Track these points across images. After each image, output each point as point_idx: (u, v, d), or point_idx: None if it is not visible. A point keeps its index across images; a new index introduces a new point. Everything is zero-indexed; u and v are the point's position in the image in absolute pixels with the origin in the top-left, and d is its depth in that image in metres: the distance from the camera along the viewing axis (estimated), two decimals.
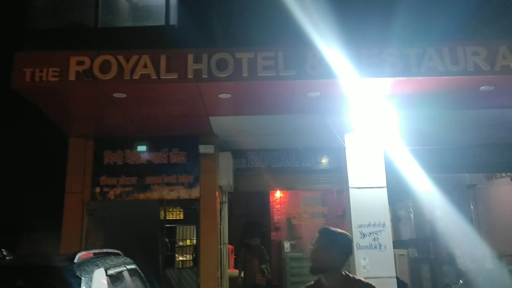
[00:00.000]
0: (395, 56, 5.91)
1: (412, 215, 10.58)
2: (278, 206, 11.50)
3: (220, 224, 8.51)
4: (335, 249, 2.66)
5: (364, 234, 6.59)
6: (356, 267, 6.47)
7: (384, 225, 6.61)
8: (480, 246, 8.99)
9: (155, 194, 8.02)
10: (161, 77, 5.90)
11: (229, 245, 10.18)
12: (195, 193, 8.07)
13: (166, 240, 11.49)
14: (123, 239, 8.74)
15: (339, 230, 2.75)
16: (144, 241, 9.74)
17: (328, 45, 5.92)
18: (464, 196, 8.73)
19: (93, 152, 8.19)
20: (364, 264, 6.48)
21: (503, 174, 8.98)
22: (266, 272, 8.55)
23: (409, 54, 5.93)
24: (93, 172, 8.11)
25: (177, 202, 10.87)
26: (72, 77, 5.83)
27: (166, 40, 6.34)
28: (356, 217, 6.67)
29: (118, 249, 4.63)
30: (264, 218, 11.61)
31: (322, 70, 5.90)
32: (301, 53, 5.99)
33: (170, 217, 12.47)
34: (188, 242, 11.94)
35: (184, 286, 10.24)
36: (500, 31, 6.20)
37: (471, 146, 8.51)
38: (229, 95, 6.37)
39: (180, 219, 12.39)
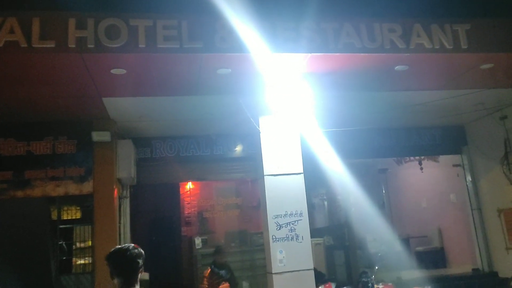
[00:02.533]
0: (312, 31, 5.41)
1: (326, 203, 10.44)
2: (189, 199, 10.65)
3: (120, 222, 7.46)
4: (112, 269, 2.63)
5: (280, 225, 6.06)
6: (272, 261, 5.91)
7: (301, 214, 6.13)
8: (391, 230, 9.07)
9: (37, 191, 6.74)
10: (34, 46, 4.74)
11: (135, 245, 9.36)
12: (87, 188, 6.94)
13: (61, 242, 10.19)
14: (2, 246, 7.33)
15: (118, 247, 2.73)
16: (30, 245, 8.40)
17: (240, 16, 5.22)
18: (376, 180, 8.69)
19: None
20: (280, 258, 5.95)
21: (412, 158, 9.11)
22: None
23: (326, 29, 5.46)
24: None
25: (69, 200, 9.62)
26: None
27: (40, 1, 5.14)
28: (272, 207, 6.11)
29: None
30: (173, 212, 10.67)
31: (233, 43, 5.19)
32: (209, 23, 5.21)
33: (65, 216, 11.06)
34: (89, 243, 10.58)
35: None
36: (416, 9, 5.99)
37: (382, 129, 8.46)
38: (124, 71, 5.39)
39: (77, 218, 11.01)
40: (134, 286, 2.63)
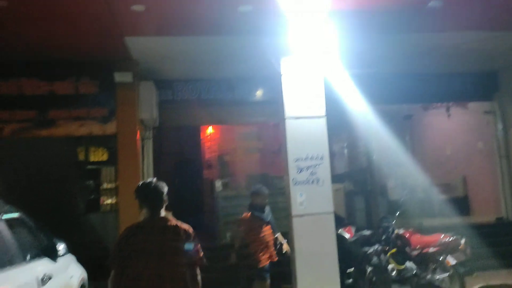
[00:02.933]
0: None
1: (347, 148, 10.33)
2: (210, 143, 10.73)
3: (143, 163, 7.59)
4: (140, 201, 2.92)
5: (301, 169, 6.02)
6: (292, 204, 5.95)
7: (322, 158, 6.06)
8: (413, 177, 8.97)
9: (60, 131, 6.85)
10: None
11: None
12: (110, 128, 7.01)
13: (89, 182, 10.53)
14: (31, 184, 7.61)
15: (143, 181, 3.02)
16: (60, 184, 8.68)
17: None
18: (400, 127, 8.48)
19: None
20: (300, 201, 5.97)
21: (439, 104, 8.80)
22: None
23: None
24: None
25: (94, 141, 9.77)
26: None
27: None
28: (293, 151, 6.05)
29: (24, 196, 3.69)
30: (195, 156, 10.80)
31: None
32: None
33: (93, 158, 11.36)
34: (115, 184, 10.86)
35: (108, 230, 9.42)
36: None
37: (410, 74, 8.12)
38: (143, 7, 5.23)
39: (104, 160, 11.30)
40: (160, 213, 2.85)
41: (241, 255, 5.86)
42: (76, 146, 9.55)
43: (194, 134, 10.54)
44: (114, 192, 10.65)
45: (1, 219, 3.20)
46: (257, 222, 5.74)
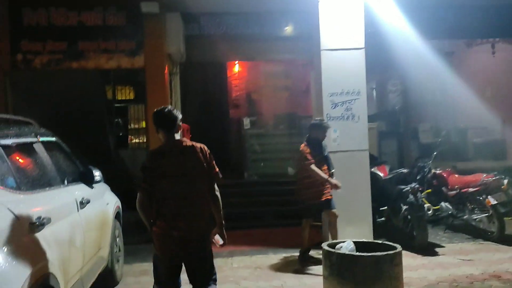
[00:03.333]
0: None
1: (382, 85, 9.93)
2: (237, 81, 10.49)
3: (171, 98, 7.46)
4: (156, 124, 3.02)
5: (336, 104, 5.78)
6: (327, 139, 5.76)
7: (359, 93, 5.79)
8: (450, 119, 8.63)
9: (90, 63, 6.72)
10: None
11: (184, 124, 9.52)
12: (138, 62, 6.84)
13: (117, 120, 10.57)
14: (63, 117, 7.62)
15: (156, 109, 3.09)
16: (90, 120, 8.70)
17: None
18: (439, 64, 8.00)
19: (8, 10, 6.57)
20: (334, 137, 5.78)
21: (484, 40, 8.22)
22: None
23: None
24: (11, 35, 6.60)
25: (122, 77, 9.70)
26: None
27: None
28: (328, 84, 5.78)
29: (55, 130, 3.63)
30: (221, 94, 10.62)
31: None
32: None
33: (120, 97, 11.35)
34: (143, 124, 10.92)
35: (137, 165, 9.57)
36: None
37: (455, 6, 7.50)
38: None
39: (131, 98, 11.27)
40: (175, 136, 2.98)
41: (297, 190, 5.31)
42: (105, 82, 9.61)
43: (221, 71, 10.29)
44: (141, 131, 10.78)
45: (39, 141, 3.14)
46: (315, 156, 5.13)
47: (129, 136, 10.93)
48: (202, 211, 2.94)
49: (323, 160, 5.23)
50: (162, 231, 2.88)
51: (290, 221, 7.38)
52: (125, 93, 11.07)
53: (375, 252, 3.43)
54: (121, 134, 10.68)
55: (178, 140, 2.98)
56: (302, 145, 5.23)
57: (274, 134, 9.22)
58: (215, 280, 3.06)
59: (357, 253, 3.45)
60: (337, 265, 3.44)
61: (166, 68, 7.11)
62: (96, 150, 8.17)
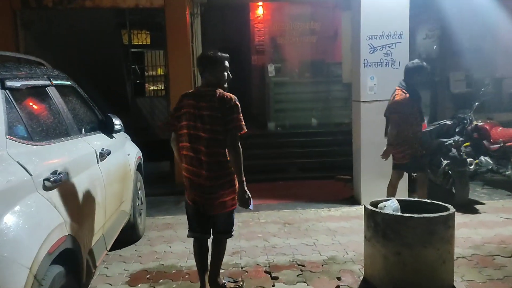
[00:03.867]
0: None
1: (420, 29, 9.15)
2: (260, 25, 9.82)
3: (192, 42, 6.96)
4: (201, 68, 2.97)
5: (374, 48, 5.23)
6: (361, 88, 5.29)
7: (401, 35, 5.21)
8: (485, 68, 7.97)
9: (106, 1, 6.19)
10: None
11: None
12: (158, 0, 6.28)
13: (134, 66, 10.11)
14: (77, 62, 7.23)
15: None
16: (105, 66, 8.30)
17: None
18: (483, 10, 7.23)
19: None
20: (371, 85, 5.29)
21: None
22: None
23: None
24: None
25: (140, 21, 9.15)
26: None
27: None
28: (366, 26, 5.20)
29: (71, 75, 3.28)
30: (244, 38, 9.99)
31: None
32: None
33: (136, 41, 10.81)
34: (159, 71, 10.45)
35: (156, 115, 9.25)
36: None
37: None
38: None
39: (147, 44, 10.73)
40: (206, 78, 2.92)
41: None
42: (121, 24, 9.09)
43: (244, 13, 9.60)
44: (159, 77, 10.35)
45: (52, 84, 2.76)
46: (414, 106, 4.38)
47: (146, 84, 10.53)
48: (216, 161, 2.83)
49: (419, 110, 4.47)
50: (185, 173, 2.92)
51: (316, 173, 7.13)
52: (142, 38, 10.54)
53: (421, 212, 3.09)
54: (138, 81, 10.27)
55: (211, 88, 2.86)
56: (398, 92, 4.40)
57: (300, 82, 8.70)
58: (228, 233, 3.03)
59: (407, 214, 3.10)
60: (382, 227, 3.11)
61: (187, 8, 6.56)
62: (113, 98, 7.91)
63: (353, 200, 5.64)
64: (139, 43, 10.61)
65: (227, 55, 2.96)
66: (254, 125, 8.73)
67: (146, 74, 10.51)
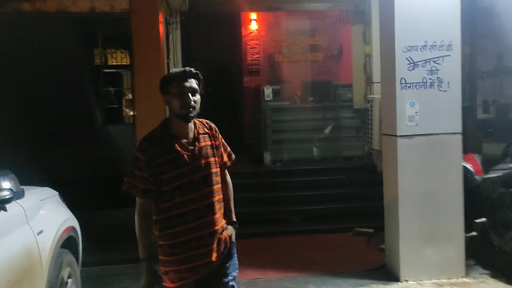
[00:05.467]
0: None
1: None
2: (254, 42, 8.43)
3: (168, 58, 5.49)
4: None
5: (415, 63, 3.78)
6: (397, 117, 3.80)
7: (450, 46, 3.78)
8: None
9: (50, 5, 4.69)
10: None
11: None
12: (120, 3, 4.81)
13: (108, 89, 8.79)
14: (27, 81, 5.71)
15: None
16: (69, 85, 6.67)
17: None
18: None
19: None
20: (411, 114, 3.82)
21: None
22: None
23: None
24: None
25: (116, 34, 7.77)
26: None
27: None
28: (404, 33, 3.77)
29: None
30: (234, 55, 8.56)
31: None
32: None
33: (112, 61, 9.47)
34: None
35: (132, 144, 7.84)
36: None
37: None
38: None
39: (126, 64, 9.33)
40: None
41: None
42: (88, 46, 7.64)
43: (234, 27, 8.20)
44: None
45: None
46: None
47: (126, 109, 9.12)
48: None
49: None
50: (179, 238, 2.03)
51: (326, 225, 5.60)
52: (118, 58, 9.16)
53: None
54: (112, 106, 8.90)
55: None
56: None
57: (302, 108, 7.24)
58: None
59: None
60: None
61: (161, 15, 5.10)
62: (77, 126, 6.57)
63: (387, 272, 4.06)
64: (115, 64, 9.27)
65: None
66: (247, 159, 7.19)
67: (125, 97, 9.12)
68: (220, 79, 8.74)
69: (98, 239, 4.11)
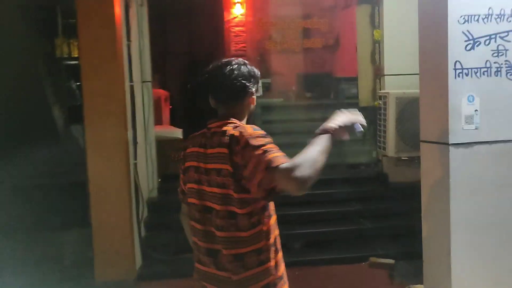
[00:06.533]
0: None
1: None
2: (239, 29, 7.34)
3: (129, 48, 4.28)
4: None
5: (474, 40, 2.68)
6: (449, 116, 2.67)
7: None
8: None
9: None
10: None
11: (162, 91, 6.74)
12: None
13: (71, 84, 7.75)
14: None
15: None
16: (24, 84, 6.31)
17: None
18: None
19: None
20: (469, 112, 2.70)
21: None
22: None
23: None
24: None
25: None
26: None
27: None
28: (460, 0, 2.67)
29: None
30: (215, 44, 7.47)
31: None
32: None
33: (76, 52, 8.56)
34: None
35: None
36: None
37: None
38: None
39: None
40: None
41: None
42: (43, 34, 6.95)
43: (215, 12, 7.12)
44: None
45: None
46: None
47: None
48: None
49: None
50: None
51: (333, 254, 4.54)
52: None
53: None
54: (75, 103, 8.11)
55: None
56: None
57: (298, 106, 6.22)
58: None
59: None
60: None
61: None
62: (34, 126, 6.27)
63: None
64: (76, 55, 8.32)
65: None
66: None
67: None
68: (199, 71, 7.74)
69: None
